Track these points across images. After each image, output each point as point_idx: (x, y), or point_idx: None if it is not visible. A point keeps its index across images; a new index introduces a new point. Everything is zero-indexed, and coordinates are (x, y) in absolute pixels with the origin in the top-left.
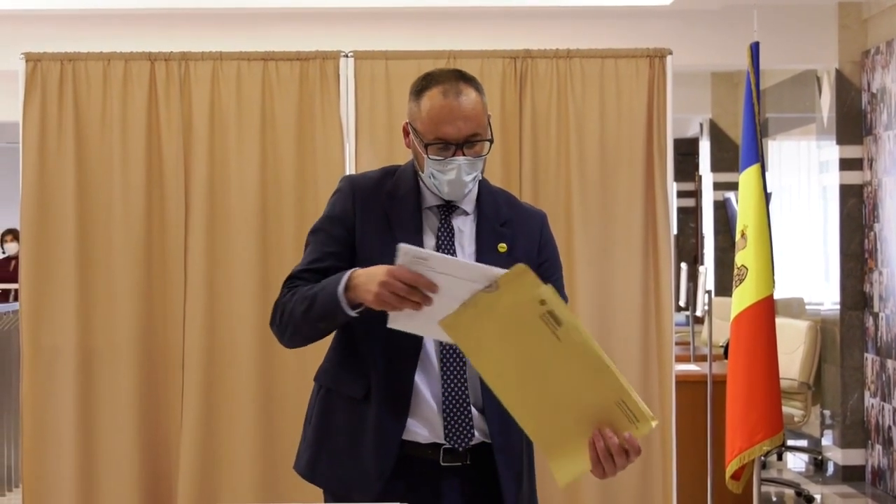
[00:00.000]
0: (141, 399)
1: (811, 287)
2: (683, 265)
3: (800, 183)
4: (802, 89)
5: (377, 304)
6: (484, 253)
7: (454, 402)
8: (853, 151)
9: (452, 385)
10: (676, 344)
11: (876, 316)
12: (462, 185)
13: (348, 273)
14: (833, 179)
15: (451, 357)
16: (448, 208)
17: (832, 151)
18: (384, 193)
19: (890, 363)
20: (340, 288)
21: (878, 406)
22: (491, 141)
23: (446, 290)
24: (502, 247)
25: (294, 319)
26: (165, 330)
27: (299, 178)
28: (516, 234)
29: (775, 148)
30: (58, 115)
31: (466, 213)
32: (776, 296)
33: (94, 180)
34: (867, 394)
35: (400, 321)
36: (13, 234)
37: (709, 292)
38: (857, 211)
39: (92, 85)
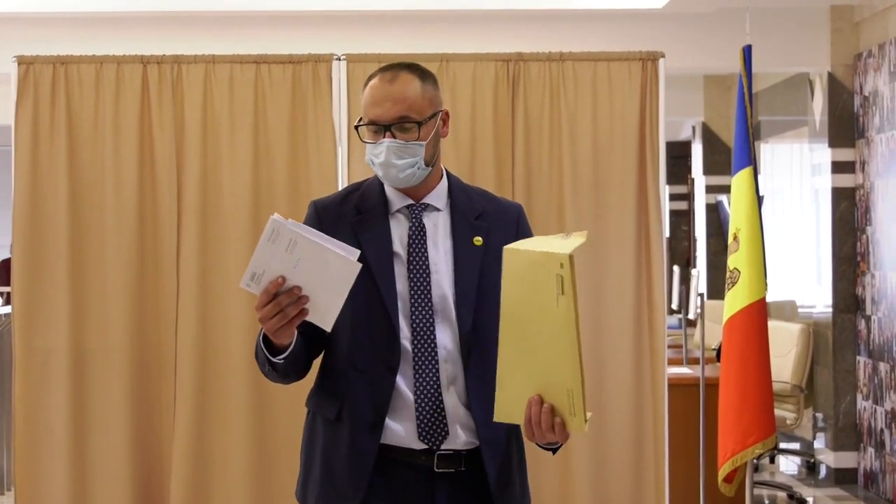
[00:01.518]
0: (133, 401)
1: (803, 290)
2: (676, 268)
3: (792, 186)
4: (795, 92)
5: (276, 337)
6: (459, 247)
7: (426, 398)
8: (845, 154)
9: (424, 381)
10: (669, 347)
11: (868, 319)
12: (394, 168)
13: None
14: (825, 182)
15: (423, 353)
16: (418, 207)
17: (824, 154)
18: (351, 209)
19: (882, 366)
20: (260, 340)
21: (871, 409)
22: (419, 125)
23: (310, 269)
24: (477, 240)
25: (265, 374)
26: (158, 332)
27: (292, 181)
28: (492, 227)
29: (768, 151)
30: (50, 117)
31: (438, 210)
32: (768, 299)
33: (86, 183)
34: (859, 396)
35: (318, 320)
36: None
37: (701, 295)
38: (849, 214)
39: (84, 88)
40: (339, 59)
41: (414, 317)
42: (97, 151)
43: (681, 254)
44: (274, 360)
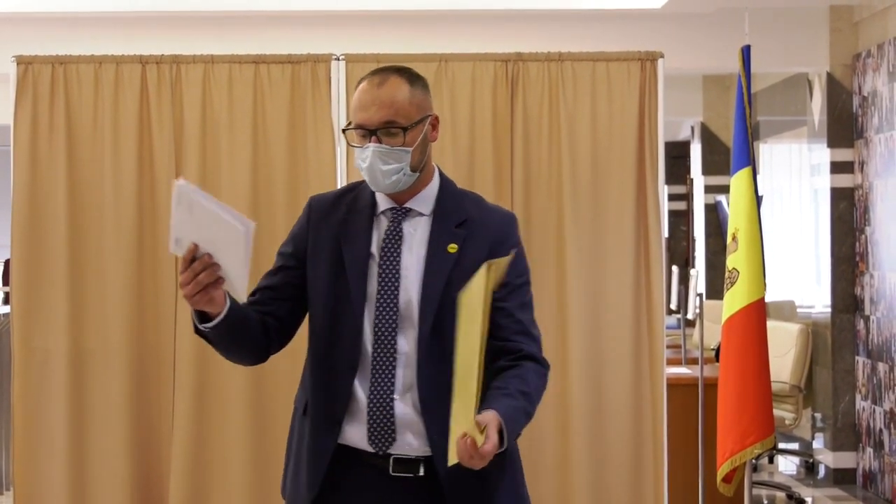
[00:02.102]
0: (132, 401)
1: (802, 290)
2: (675, 268)
3: (791, 186)
4: (794, 92)
5: (193, 303)
6: (433, 255)
7: (378, 403)
8: (844, 154)
9: (379, 386)
10: (668, 347)
11: (867, 319)
12: (380, 174)
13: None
14: (824, 182)
15: (382, 358)
16: (400, 211)
17: (823, 154)
18: (343, 208)
19: (881, 366)
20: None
21: (869, 409)
22: (405, 130)
23: (214, 236)
24: (452, 247)
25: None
26: (157, 332)
27: (291, 181)
28: (471, 235)
29: (767, 151)
30: (49, 117)
31: (422, 215)
32: (767, 299)
33: (85, 183)
34: (858, 397)
35: (231, 289)
36: None
37: (700, 295)
38: (848, 214)
39: (83, 88)
40: (337, 59)
41: (377, 321)
42: (96, 151)
43: (680, 254)
44: (199, 326)
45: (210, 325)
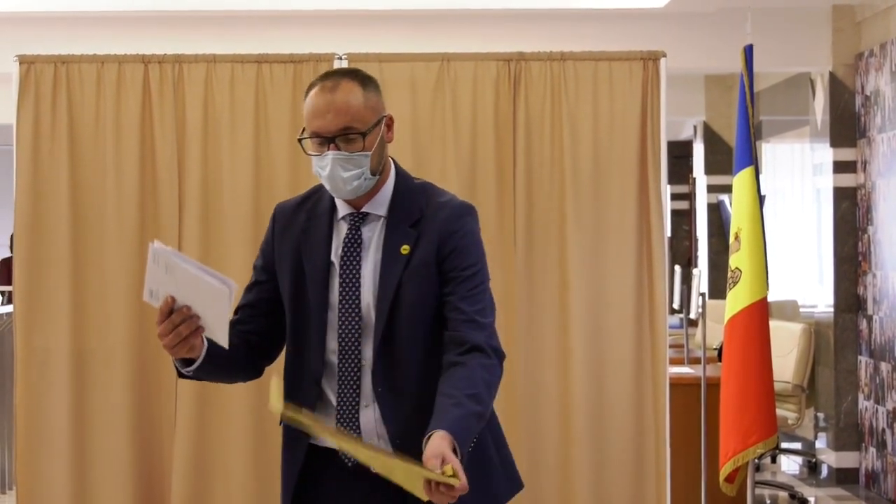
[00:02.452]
0: (134, 401)
1: (805, 290)
2: (677, 268)
3: (793, 186)
4: (796, 92)
5: (173, 353)
6: (387, 258)
7: (345, 412)
8: (847, 154)
9: (345, 396)
10: (670, 346)
11: (870, 319)
12: (340, 181)
13: None
14: (827, 182)
15: (347, 368)
16: (358, 216)
17: (826, 154)
18: (303, 215)
19: (884, 366)
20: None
21: (872, 409)
22: (364, 135)
23: (191, 292)
24: (405, 248)
25: None
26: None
27: (293, 181)
28: (423, 232)
29: (769, 151)
30: (51, 117)
31: (380, 216)
32: (770, 298)
33: (87, 183)
34: (861, 396)
35: (212, 335)
36: None
37: (703, 295)
38: (850, 214)
39: (86, 87)
40: (340, 59)
41: (341, 330)
42: (98, 151)
43: (682, 253)
44: (182, 371)
45: (192, 368)
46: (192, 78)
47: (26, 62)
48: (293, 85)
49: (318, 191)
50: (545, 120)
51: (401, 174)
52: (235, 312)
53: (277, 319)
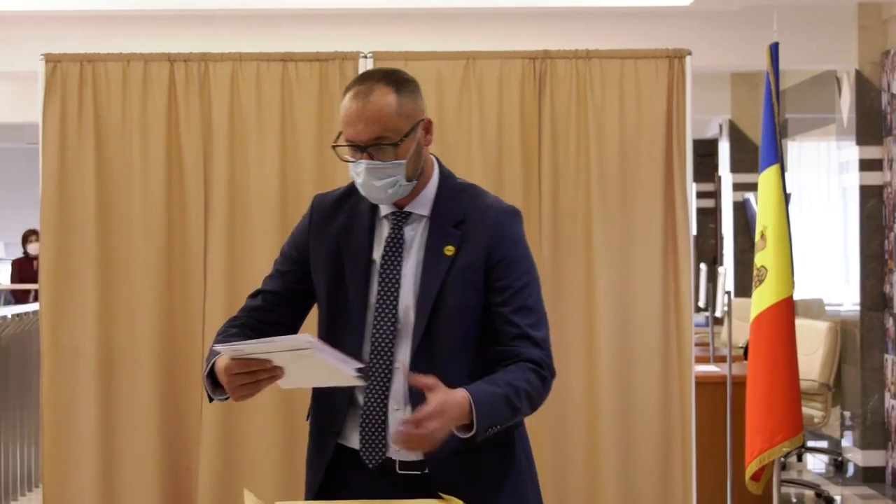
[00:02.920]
0: (161, 399)
1: (831, 288)
2: (703, 266)
3: (819, 184)
4: (822, 90)
5: (237, 396)
6: (430, 259)
7: (371, 414)
8: (873, 152)
9: (373, 397)
10: (696, 345)
11: None
12: (373, 190)
13: (215, 357)
14: (853, 180)
15: (378, 369)
16: (401, 216)
17: (852, 152)
18: (344, 211)
19: None
20: (205, 373)
21: None
22: (396, 145)
23: (305, 365)
24: (449, 249)
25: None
26: (185, 330)
27: (318, 179)
28: (468, 235)
29: (795, 149)
30: (77, 116)
31: (423, 216)
32: (796, 297)
33: (113, 181)
34: (887, 395)
35: (285, 384)
36: (37, 234)
37: (728, 293)
38: (876, 212)
39: (112, 86)
40: (365, 57)
41: (375, 330)
42: (124, 149)
43: (708, 252)
44: (214, 397)
45: (224, 397)
46: (218, 76)
47: (52, 61)
48: (319, 83)
49: None
50: (571, 118)
51: (444, 174)
52: (255, 295)
53: (298, 310)
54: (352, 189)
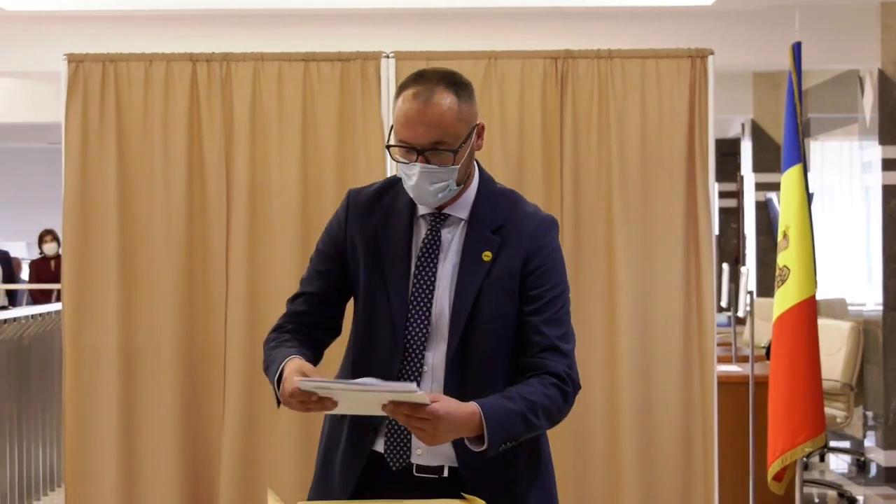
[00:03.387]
0: (183, 399)
1: (854, 288)
2: (725, 266)
3: (842, 183)
4: (845, 89)
5: (293, 408)
6: (467, 263)
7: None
8: None
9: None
10: (718, 345)
11: None
12: (425, 193)
13: (283, 364)
14: (876, 180)
15: (408, 372)
16: (439, 218)
17: (875, 152)
18: (381, 208)
19: None
20: (274, 379)
21: None
22: (455, 152)
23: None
24: (486, 255)
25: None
26: (207, 330)
27: (340, 179)
28: (506, 241)
29: (817, 148)
30: (100, 115)
31: (461, 219)
32: (818, 297)
33: (135, 181)
34: None
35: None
36: (52, 234)
37: (751, 293)
38: None
39: (134, 86)
40: (387, 57)
41: (408, 333)
42: (146, 149)
43: (730, 251)
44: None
45: None
46: (240, 76)
47: (75, 61)
48: (340, 83)
49: (396, 184)
50: (592, 118)
51: (484, 178)
52: (294, 299)
53: (340, 310)
54: (388, 185)
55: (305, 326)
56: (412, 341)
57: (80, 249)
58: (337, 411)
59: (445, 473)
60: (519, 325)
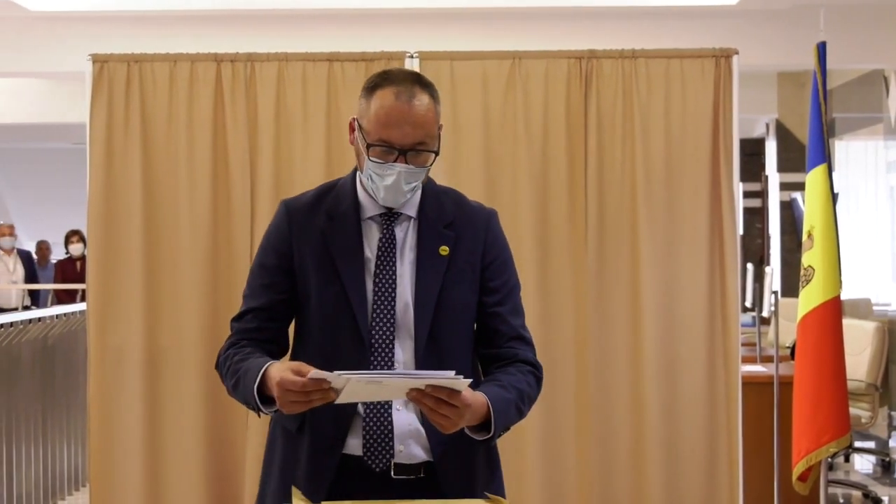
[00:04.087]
0: (207, 399)
1: (878, 288)
2: (749, 266)
3: (867, 183)
4: (870, 89)
5: (287, 410)
6: (425, 258)
7: (375, 416)
8: None
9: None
10: (743, 345)
11: None
12: (399, 193)
13: (262, 369)
14: None
15: (379, 368)
16: (390, 216)
17: None
18: (323, 213)
19: None
20: (255, 386)
21: None
22: (436, 153)
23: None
24: (444, 249)
25: (228, 390)
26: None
27: None
28: (460, 236)
29: (842, 148)
30: (124, 116)
31: (410, 217)
32: (843, 296)
33: (160, 181)
34: None
35: (339, 401)
36: (78, 234)
37: (775, 293)
38: None
39: (158, 86)
40: (411, 57)
41: (374, 332)
42: (171, 150)
43: (754, 251)
44: (265, 410)
45: (275, 408)
46: (264, 76)
47: (99, 61)
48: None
49: (332, 188)
50: (617, 117)
51: (427, 179)
52: (241, 317)
53: (287, 323)
54: (325, 190)
55: (259, 342)
56: (378, 339)
57: (105, 249)
58: (340, 400)
59: (422, 474)
60: (480, 316)
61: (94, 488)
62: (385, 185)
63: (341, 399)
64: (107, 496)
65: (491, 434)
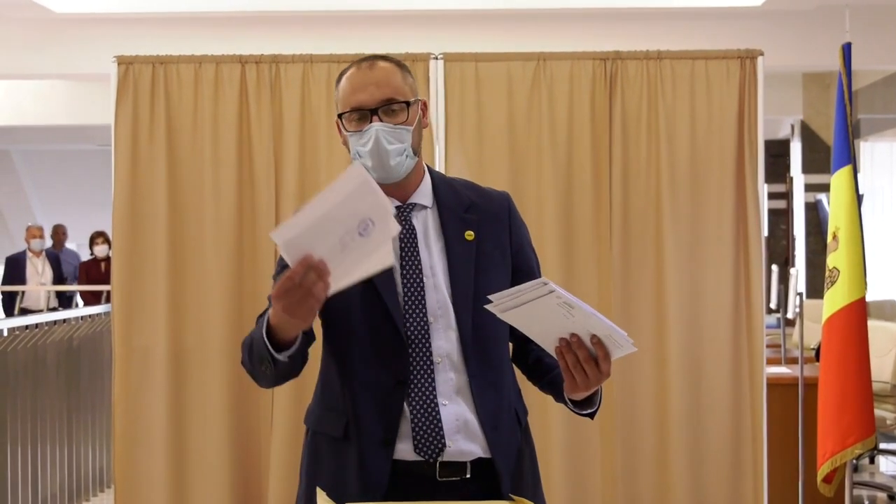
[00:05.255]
0: (231, 400)
1: None
2: (774, 267)
3: (892, 184)
4: (895, 90)
5: (292, 314)
6: (452, 244)
7: (422, 411)
8: None
9: (420, 393)
10: (767, 346)
11: None
12: (385, 155)
13: (267, 316)
14: None
15: (419, 364)
16: (406, 208)
17: None
18: None
19: None
20: (264, 329)
21: None
22: (408, 105)
23: (327, 234)
24: (469, 234)
25: (246, 367)
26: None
27: None
28: (482, 219)
29: (867, 149)
30: (149, 117)
31: (426, 207)
32: (868, 298)
33: (185, 182)
34: None
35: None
36: (103, 236)
37: (800, 294)
38: None
39: (183, 87)
40: (436, 59)
41: (408, 325)
42: (196, 151)
43: (779, 253)
44: (279, 357)
45: (289, 352)
46: (289, 78)
47: (124, 63)
48: None
49: None
50: (642, 119)
51: (432, 169)
52: (265, 313)
53: (311, 334)
54: None
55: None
56: (414, 332)
57: (130, 251)
58: (335, 286)
59: (468, 474)
60: None
61: (118, 489)
62: (368, 151)
63: (335, 282)
64: (132, 497)
65: (594, 408)
